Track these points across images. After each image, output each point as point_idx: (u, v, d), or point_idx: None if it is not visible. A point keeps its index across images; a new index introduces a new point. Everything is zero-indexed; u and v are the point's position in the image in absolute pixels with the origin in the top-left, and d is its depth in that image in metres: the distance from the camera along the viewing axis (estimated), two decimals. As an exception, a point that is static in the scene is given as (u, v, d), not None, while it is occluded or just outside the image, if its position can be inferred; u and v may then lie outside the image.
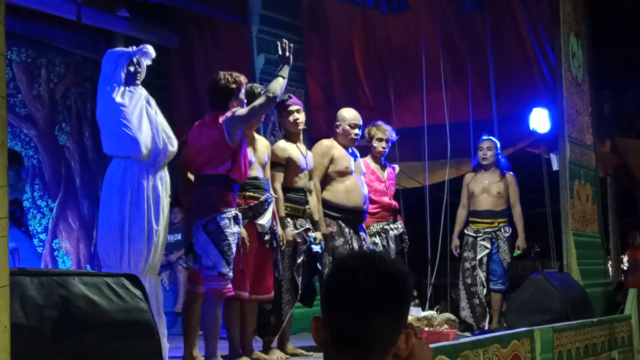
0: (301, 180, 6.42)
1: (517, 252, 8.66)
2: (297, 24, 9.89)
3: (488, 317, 8.58)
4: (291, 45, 5.92)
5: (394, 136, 7.79)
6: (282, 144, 6.43)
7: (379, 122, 7.80)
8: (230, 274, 5.57)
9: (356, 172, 6.95)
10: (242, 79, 5.89)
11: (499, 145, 8.88)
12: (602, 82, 12.15)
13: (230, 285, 5.60)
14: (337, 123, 6.98)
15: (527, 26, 10.73)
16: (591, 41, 10.54)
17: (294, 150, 6.41)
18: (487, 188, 8.71)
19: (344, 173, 6.83)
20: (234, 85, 5.79)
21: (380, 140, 7.67)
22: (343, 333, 1.94)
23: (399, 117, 11.10)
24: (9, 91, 9.35)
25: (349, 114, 6.99)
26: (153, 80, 10.33)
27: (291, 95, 6.62)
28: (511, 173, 8.81)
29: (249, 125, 5.90)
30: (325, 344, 1.98)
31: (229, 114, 5.69)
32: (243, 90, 5.86)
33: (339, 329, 1.94)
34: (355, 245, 6.71)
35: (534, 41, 10.69)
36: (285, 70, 5.80)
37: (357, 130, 6.94)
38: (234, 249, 5.59)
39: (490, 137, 8.92)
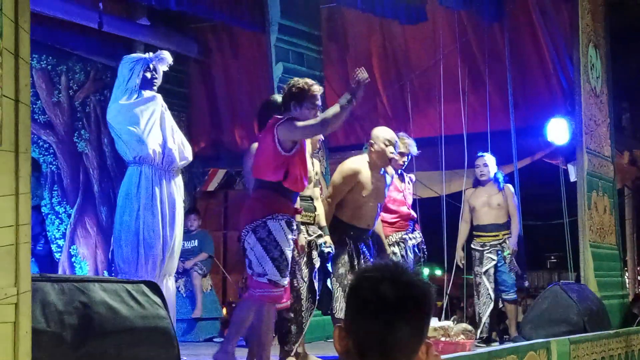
0: (308, 190, 6.28)
1: (507, 252, 8.69)
2: (316, 33, 9.91)
3: (481, 328, 8.63)
4: (367, 77, 5.47)
5: (415, 150, 7.71)
6: None
7: (403, 134, 7.66)
8: (284, 282, 5.45)
9: (378, 198, 6.72)
10: (315, 88, 5.61)
11: (494, 160, 8.93)
12: (621, 93, 12.11)
13: (282, 293, 5.48)
14: (372, 141, 6.72)
15: (546, 37, 10.73)
16: (610, 52, 10.53)
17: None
18: (487, 202, 8.85)
19: (361, 200, 6.62)
20: (294, 90, 5.59)
21: (402, 154, 7.53)
22: (368, 342, 1.95)
23: (416, 126, 11.10)
24: (29, 98, 9.40)
25: (383, 132, 6.75)
26: (172, 88, 10.42)
27: None
28: (509, 185, 8.95)
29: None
30: (347, 353, 1.99)
31: (284, 121, 5.47)
32: (315, 102, 5.59)
33: (363, 337, 1.96)
34: (349, 260, 6.59)
35: (553, 52, 10.69)
36: (345, 99, 5.37)
37: (391, 148, 6.69)
38: (289, 256, 5.46)
39: (484, 154, 8.97)
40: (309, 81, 5.66)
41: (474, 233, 8.94)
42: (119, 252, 5.68)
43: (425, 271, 19.76)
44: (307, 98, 5.58)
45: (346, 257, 6.52)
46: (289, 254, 5.46)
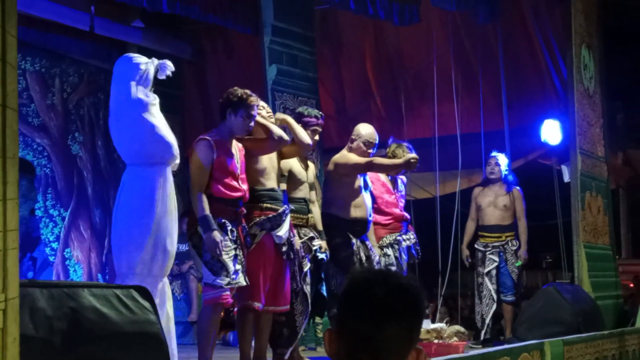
0: (301, 192, 6.43)
1: (519, 263, 8.84)
2: (309, 34, 9.90)
3: (485, 329, 8.79)
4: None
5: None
6: None
7: (405, 144, 7.82)
8: (219, 282, 5.51)
9: (365, 187, 6.90)
10: (253, 99, 5.82)
11: (506, 161, 9.05)
12: (614, 93, 12.12)
13: (224, 294, 5.55)
14: (353, 137, 6.93)
15: (539, 38, 10.73)
16: (603, 52, 10.52)
17: (295, 163, 6.43)
18: (493, 201, 8.98)
19: (354, 189, 6.75)
20: (232, 97, 5.82)
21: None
22: (356, 342, 1.96)
23: (410, 127, 11.12)
24: (22, 101, 9.39)
25: (366, 131, 6.93)
26: (166, 90, 10.37)
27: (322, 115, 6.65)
28: (518, 188, 8.99)
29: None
30: (338, 356, 2.00)
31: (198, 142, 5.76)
32: (251, 112, 5.80)
33: (352, 338, 1.97)
34: (363, 255, 6.67)
35: (546, 53, 10.70)
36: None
37: (371, 150, 6.91)
38: (225, 257, 5.51)
39: (498, 154, 9.04)
40: (248, 91, 5.85)
41: (479, 233, 9.04)
42: (127, 256, 5.39)
43: None
44: (244, 107, 5.77)
45: (354, 260, 6.56)
46: (224, 255, 5.52)
